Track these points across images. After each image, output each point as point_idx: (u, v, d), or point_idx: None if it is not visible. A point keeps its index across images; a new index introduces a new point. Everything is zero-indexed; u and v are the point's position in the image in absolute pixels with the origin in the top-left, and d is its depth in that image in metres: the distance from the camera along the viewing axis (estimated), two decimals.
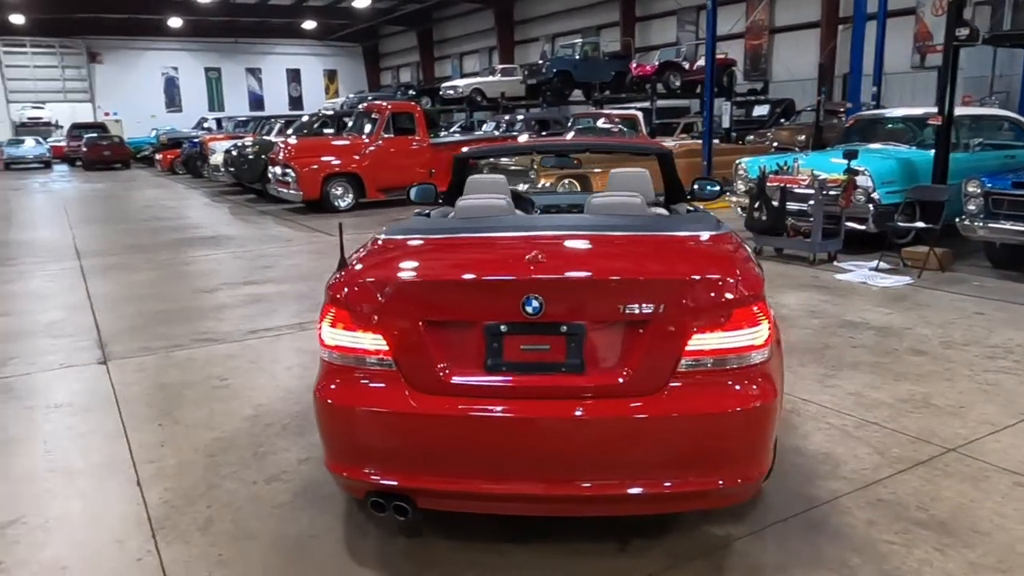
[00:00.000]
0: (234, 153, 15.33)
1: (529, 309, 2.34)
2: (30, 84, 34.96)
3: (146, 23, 33.68)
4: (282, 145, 13.58)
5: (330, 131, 15.90)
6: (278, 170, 13.27)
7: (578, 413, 2.37)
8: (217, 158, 17.41)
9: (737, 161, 9.27)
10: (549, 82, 22.75)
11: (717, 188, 4.49)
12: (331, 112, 19.43)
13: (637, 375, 2.39)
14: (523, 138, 15.10)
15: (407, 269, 2.60)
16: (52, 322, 6.09)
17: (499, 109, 23.43)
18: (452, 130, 19.56)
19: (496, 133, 17.49)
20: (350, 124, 14.65)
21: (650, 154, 4.52)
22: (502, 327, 2.40)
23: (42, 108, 36.97)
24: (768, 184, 7.88)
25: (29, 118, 36.37)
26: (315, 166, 12.85)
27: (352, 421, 2.49)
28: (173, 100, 37.73)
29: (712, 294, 2.40)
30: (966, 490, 3.11)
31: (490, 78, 25.34)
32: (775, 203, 7.79)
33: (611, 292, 2.42)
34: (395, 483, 2.46)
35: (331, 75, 40.78)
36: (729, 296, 2.40)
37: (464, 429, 2.40)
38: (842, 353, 4.86)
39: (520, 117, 20.25)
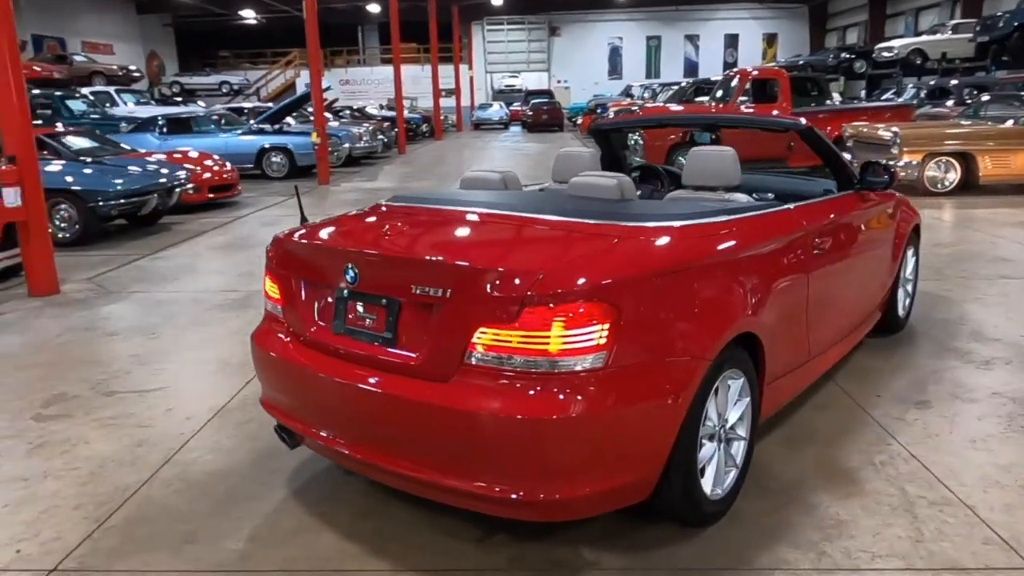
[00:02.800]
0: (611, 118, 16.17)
1: (348, 277, 2.47)
2: (503, 57, 40.88)
3: None
4: (639, 113, 13.92)
5: (703, 98, 15.70)
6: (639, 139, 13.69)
7: (373, 384, 2.42)
8: None
9: None
10: (1006, 39, 18.63)
11: (885, 179, 3.70)
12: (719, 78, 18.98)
13: (429, 358, 2.35)
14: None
15: (317, 230, 2.87)
16: None
17: (939, 73, 20.13)
18: (856, 97, 17.53)
19: (896, 101, 15.20)
20: (718, 92, 14.30)
21: (787, 130, 3.85)
22: (344, 292, 2.56)
23: (516, 77, 43.19)
24: None
25: (506, 86, 42.81)
26: (661, 136, 12.94)
27: (259, 359, 2.90)
28: (615, 68, 40.47)
29: (500, 289, 2.20)
30: None
31: (935, 36, 21.83)
32: None
33: (404, 271, 2.41)
34: (280, 418, 2.82)
35: (770, 39, 39.17)
36: (520, 293, 2.18)
37: (308, 380, 2.64)
38: None
39: (954, 82, 17.29)
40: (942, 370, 4.19)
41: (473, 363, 2.25)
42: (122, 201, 8.60)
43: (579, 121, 28.27)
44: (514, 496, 2.25)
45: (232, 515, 2.89)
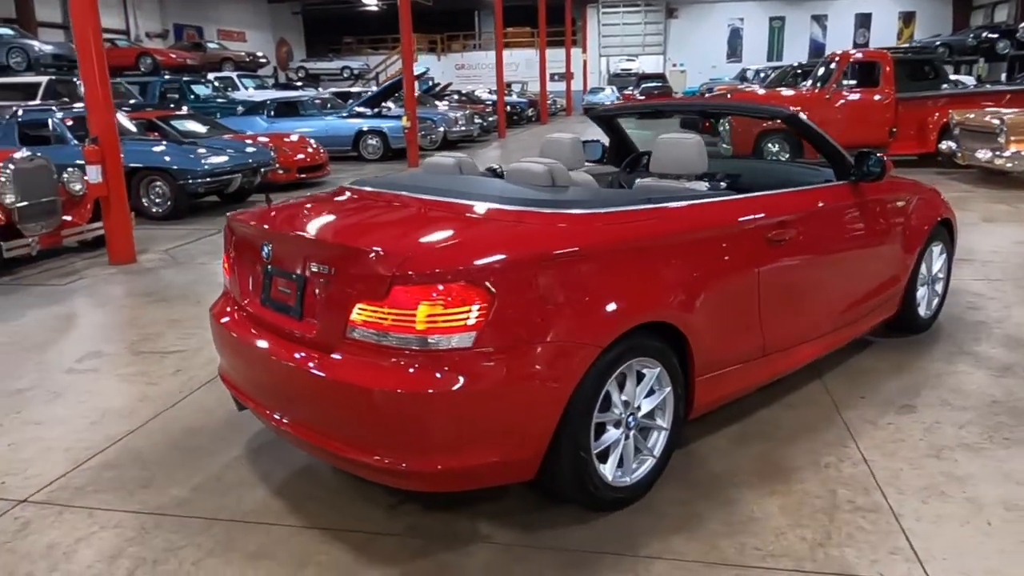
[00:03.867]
0: None
1: (264, 254, 2.67)
2: (618, 40, 40.30)
3: None
4: (730, 98, 13.47)
5: (806, 83, 14.92)
6: (726, 125, 13.27)
7: (282, 354, 2.61)
8: None
9: None
10: None
11: (878, 171, 3.57)
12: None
13: (320, 331, 2.51)
14: None
15: (259, 211, 3.08)
16: None
17: None
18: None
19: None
20: (817, 74, 13.59)
21: (773, 118, 3.72)
22: (268, 268, 2.76)
23: (633, 61, 42.62)
24: None
25: (622, 69, 42.33)
26: (749, 121, 12.46)
27: (212, 329, 3.15)
28: (735, 51, 38.99)
29: (373, 268, 2.33)
30: None
31: None
32: None
33: (304, 249, 2.57)
34: (226, 384, 3.08)
35: (907, 18, 36.48)
36: (389, 272, 2.30)
37: (240, 349, 2.87)
38: None
39: None
40: (946, 374, 3.93)
41: (356, 338, 2.39)
42: (208, 180, 9.29)
43: None
44: (389, 465, 2.38)
45: (189, 466, 3.19)
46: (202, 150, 9.70)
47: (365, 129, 15.80)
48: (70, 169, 7.35)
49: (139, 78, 20.17)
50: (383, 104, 17.15)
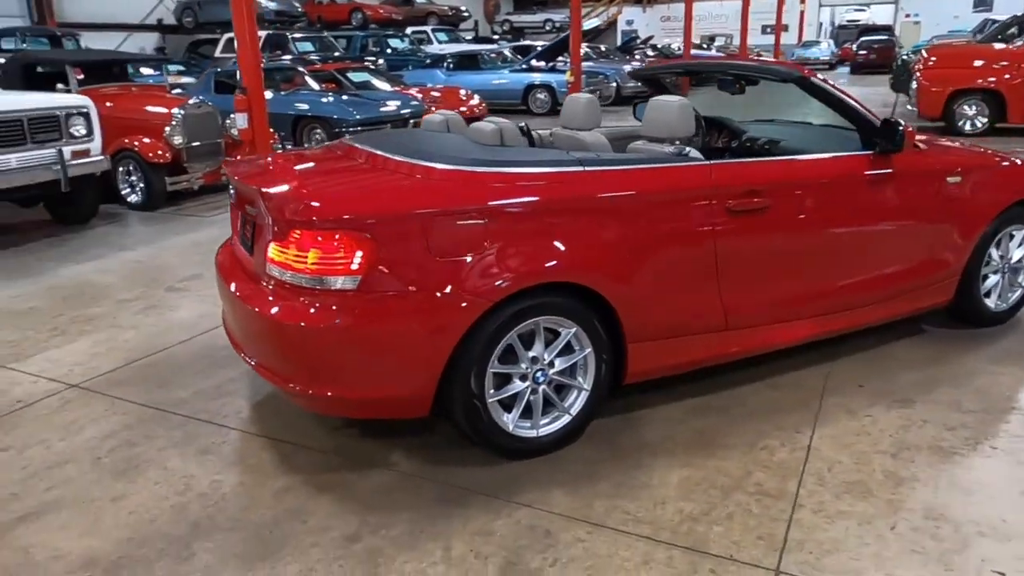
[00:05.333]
0: (898, 62, 14.19)
1: (231, 196, 3.07)
2: None
3: None
4: (924, 54, 12.03)
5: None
6: (914, 84, 11.93)
7: (236, 286, 2.99)
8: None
9: None
10: None
11: (893, 142, 3.32)
12: None
13: (255, 266, 2.86)
14: None
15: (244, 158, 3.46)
16: None
17: None
18: None
19: None
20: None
21: (784, 80, 3.47)
22: (242, 210, 3.15)
23: (864, 11, 38.82)
24: None
25: (848, 20, 38.78)
26: (941, 80, 11.10)
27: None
28: None
29: (280, 212, 2.62)
30: None
31: None
32: None
33: (247, 194, 2.89)
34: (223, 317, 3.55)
35: None
36: (290, 217, 2.58)
37: (221, 284, 3.27)
38: None
39: None
40: (981, 374, 3.52)
41: (271, 274, 2.70)
42: (359, 129, 10.09)
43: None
44: (298, 391, 2.70)
45: (203, 375, 3.74)
46: (358, 102, 10.52)
47: (535, 83, 16.07)
48: (232, 116, 8.37)
49: (347, 32, 21.80)
50: (559, 58, 17.26)
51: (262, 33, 18.98)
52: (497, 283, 2.63)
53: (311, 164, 3.22)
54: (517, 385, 2.83)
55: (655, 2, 39.80)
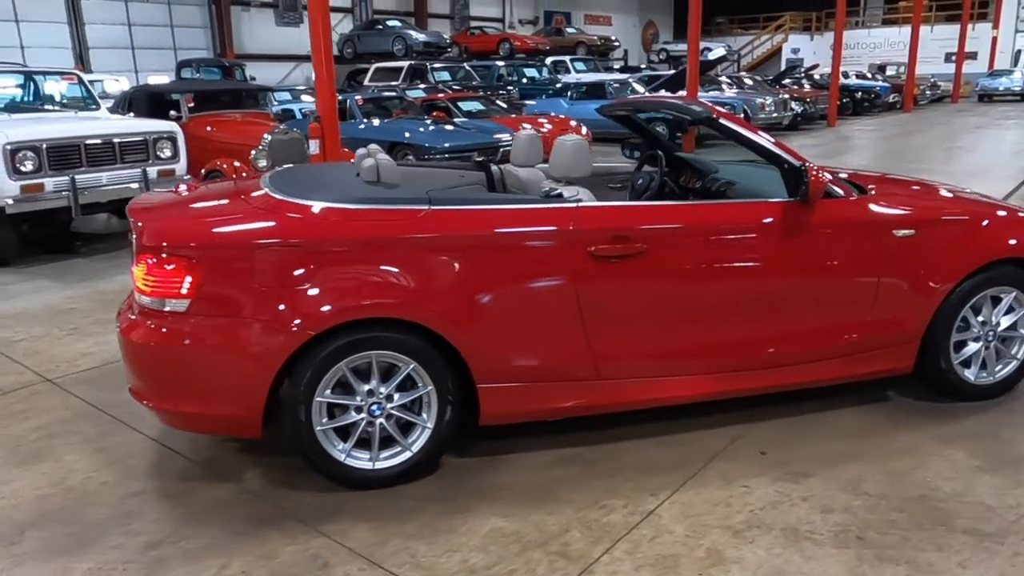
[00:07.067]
0: None
1: None
2: None
3: None
4: None
5: None
6: None
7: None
8: None
9: None
10: None
11: (799, 192, 3.11)
12: None
13: None
14: None
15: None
16: None
17: None
18: None
19: None
20: None
21: (695, 120, 3.28)
22: None
23: None
24: None
25: None
26: None
27: None
28: None
29: (137, 236, 2.84)
30: None
31: None
32: None
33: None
34: None
35: None
36: (139, 241, 2.81)
37: None
38: None
39: None
40: (910, 455, 3.11)
41: (135, 297, 2.91)
42: (447, 156, 10.46)
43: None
44: (149, 405, 2.91)
45: None
46: (448, 131, 10.92)
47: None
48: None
49: (488, 63, 22.56)
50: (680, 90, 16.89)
51: (405, 63, 20.28)
52: (317, 315, 2.71)
53: (199, 196, 3.43)
54: (352, 416, 2.88)
55: (825, 29, 37.78)
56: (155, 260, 2.75)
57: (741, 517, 2.71)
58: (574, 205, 2.98)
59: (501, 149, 11.06)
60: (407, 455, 2.94)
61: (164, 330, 2.76)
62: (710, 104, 3.39)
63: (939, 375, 3.48)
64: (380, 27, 23.98)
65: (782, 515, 2.72)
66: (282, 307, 2.72)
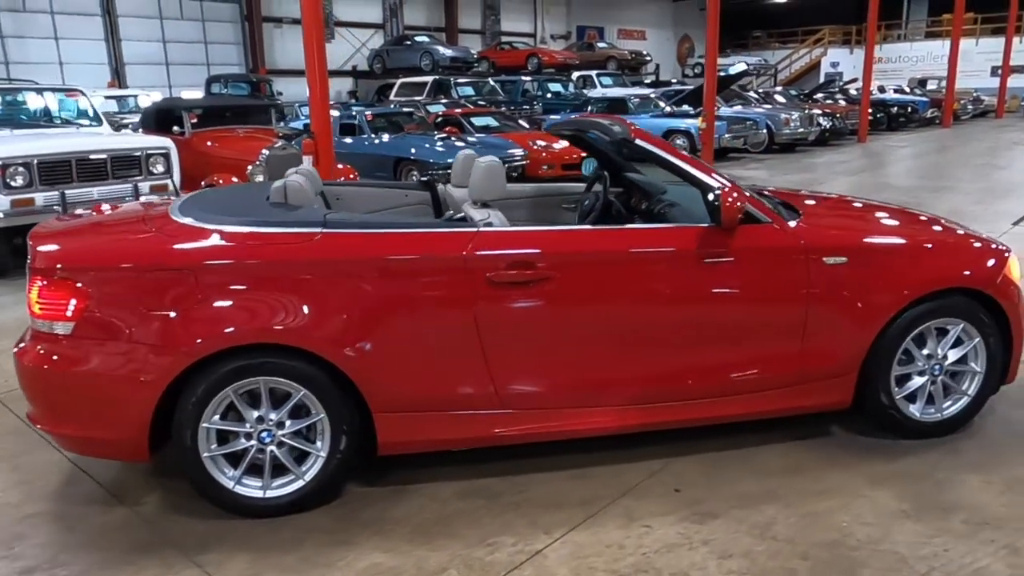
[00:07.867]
0: None
1: None
2: None
3: None
4: None
5: None
6: None
7: None
8: None
9: None
10: None
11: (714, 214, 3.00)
12: None
13: None
14: None
15: None
16: None
17: None
18: None
19: None
20: None
21: (613, 140, 3.17)
22: None
23: None
24: None
25: None
26: None
27: None
28: None
29: (31, 260, 2.82)
30: None
31: None
32: None
33: None
34: None
35: None
36: (34, 264, 2.79)
37: None
38: None
39: None
40: (834, 495, 2.93)
41: (31, 320, 2.91)
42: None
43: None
44: (40, 428, 2.89)
45: None
46: (458, 145, 10.90)
47: (674, 128, 15.62)
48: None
49: (513, 77, 22.56)
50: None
51: (429, 78, 20.39)
52: (199, 340, 2.67)
53: (101, 220, 3.38)
54: (242, 443, 2.82)
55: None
56: (44, 283, 2.74)
57: (631, 560, 2.57)
58: (474, 229, 2.89)
59: (511, 164, 11.03)
60: (299, 483, 2.87)
61: (52, 354, 2.74)
62: (629, 123, 3.27)
63: (880, 410, 3.28)
64: (408, 43, 24.22)
65: (675, 559, 2.57)
66: (166, 332, 2.68)
